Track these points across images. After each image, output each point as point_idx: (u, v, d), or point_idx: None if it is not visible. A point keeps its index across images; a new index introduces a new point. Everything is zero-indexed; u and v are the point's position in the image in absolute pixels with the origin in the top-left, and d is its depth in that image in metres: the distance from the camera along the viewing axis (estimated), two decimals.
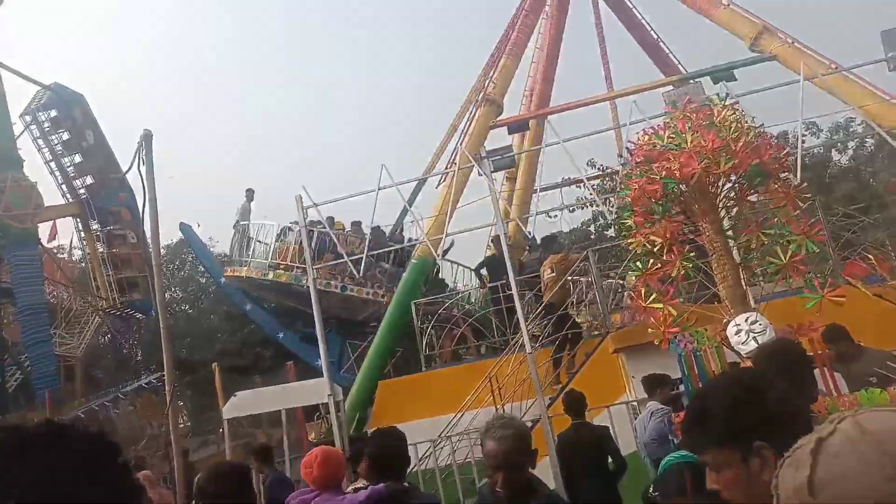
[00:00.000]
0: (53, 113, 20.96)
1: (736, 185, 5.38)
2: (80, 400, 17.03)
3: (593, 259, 10.84)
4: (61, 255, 25.82)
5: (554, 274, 10.56)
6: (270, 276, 16.07)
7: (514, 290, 9.28)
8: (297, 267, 15.34)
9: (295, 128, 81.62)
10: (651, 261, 5.45)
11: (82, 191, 22.00)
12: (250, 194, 17.56)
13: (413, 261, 13.98)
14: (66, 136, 21.57)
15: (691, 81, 13.60)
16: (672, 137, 5.26)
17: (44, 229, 20.85)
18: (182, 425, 15.53)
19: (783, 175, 5.47)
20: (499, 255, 12.25)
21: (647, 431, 6.46)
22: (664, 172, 5.08)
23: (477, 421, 9.71)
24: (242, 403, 9.41)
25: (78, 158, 21.92)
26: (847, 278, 4.79)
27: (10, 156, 18.87)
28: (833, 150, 23.39)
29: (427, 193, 16.81)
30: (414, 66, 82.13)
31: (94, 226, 22.02)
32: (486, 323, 14.20)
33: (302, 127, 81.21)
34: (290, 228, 15.93)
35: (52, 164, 21.74)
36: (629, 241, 5.61)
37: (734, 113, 5.48)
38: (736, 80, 14.04)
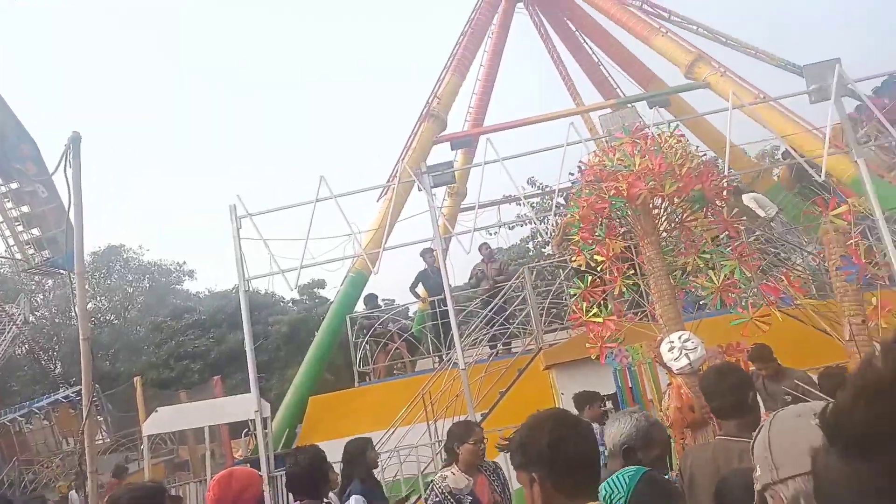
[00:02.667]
0: None
1: (678, 208, 5.54)
2: None
3: (529, 276, 10.92)
4: None
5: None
6: None
7: (449, 305, 9.25)
8: None
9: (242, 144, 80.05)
10: (592, 277, 5.56)
11: None
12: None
13: (350, 274, 13.79)
14: None
15: (628, 106, 14.00)
16: (621, 159, 5.43)
17: None
18: (101, 441, 14.78)
19: (720, 203, 5.66)
20: (430, 269, 12.23)
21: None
22: (613, 191, 5.21)
23: (409, 437, 9.60)
24: (165, 419, 9.01)
25: None
26: (766, 301, 4.94)
27: None
28: (760, 176, 24.44)
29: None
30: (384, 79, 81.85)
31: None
32: (423, 338, 14.13)
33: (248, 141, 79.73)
34: None
35: None
36: (573, 258, 5.68)
37: (679, 141, 5.70)
38: (670, 105, 14.52)
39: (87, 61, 78.94)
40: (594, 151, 5.86)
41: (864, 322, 4.70)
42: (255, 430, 12.98)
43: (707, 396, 3.26)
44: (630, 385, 4.69)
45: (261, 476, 3.82)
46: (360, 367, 12.21)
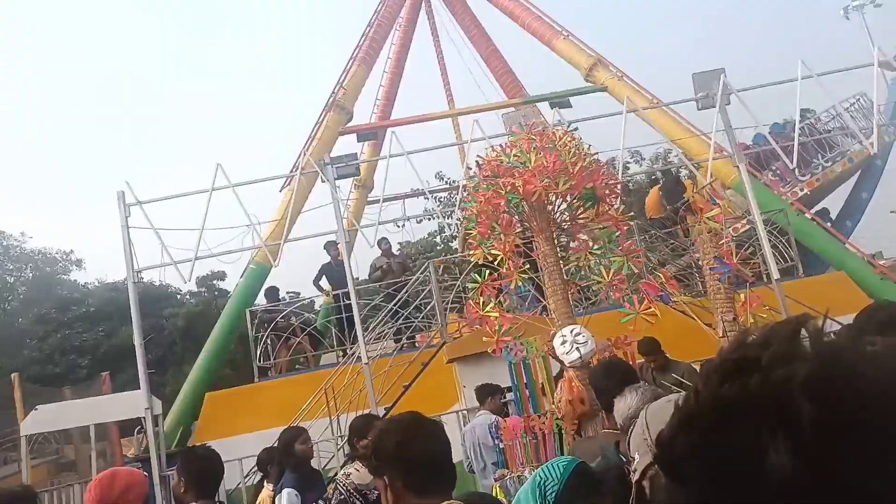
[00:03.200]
0: None
1: (570, 206, 5.71)
2: None
3: (435, 270, 11.03)
4: None
5: None
6: None
7: (353, 299, 9.22)
8: None
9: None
10: (489, 272, 5.65)
11: None
12: None
13: (251, 266, 13.43)
14: None
15: (531, 105, 14.36)
16: (518, 156, 5.53)
17: None
18: None
19: (610, 200, 5.87)
20: (334, 262, 12.10)
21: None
22: (509, 188, 5.31)
23: (311, 433, 9.47)
24: (46, 418, 8.48)
25: None
26: (646, 296, 5.20)
27: None
28: (653, 177, 25.76)
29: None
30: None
31: None
32: (327, 332, 13.96)
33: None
34: None
35: None
36: (471, 252, 5.76)
37: (573, 139, 5.84)
38: (571, 106, 15.02)
39: None
40: (492, 147, 5.96)
41: (734, 319, 5.07)
42: (145, 427, 12.45)
43: (595, 391, 3.41)
44: (524, 378, 4.80)
45: (146, 476, 3.65)
46: (260, 361, 11.93)
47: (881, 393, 0.52)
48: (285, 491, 4.48)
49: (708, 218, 5.19)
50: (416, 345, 11.33)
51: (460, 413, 8.63)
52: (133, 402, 8.01)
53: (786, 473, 0.51)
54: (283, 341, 12.13)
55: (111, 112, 76.81)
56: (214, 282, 26.29)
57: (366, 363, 8.60)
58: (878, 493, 0.50)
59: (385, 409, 8.97)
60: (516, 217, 5.50)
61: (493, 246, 5.36)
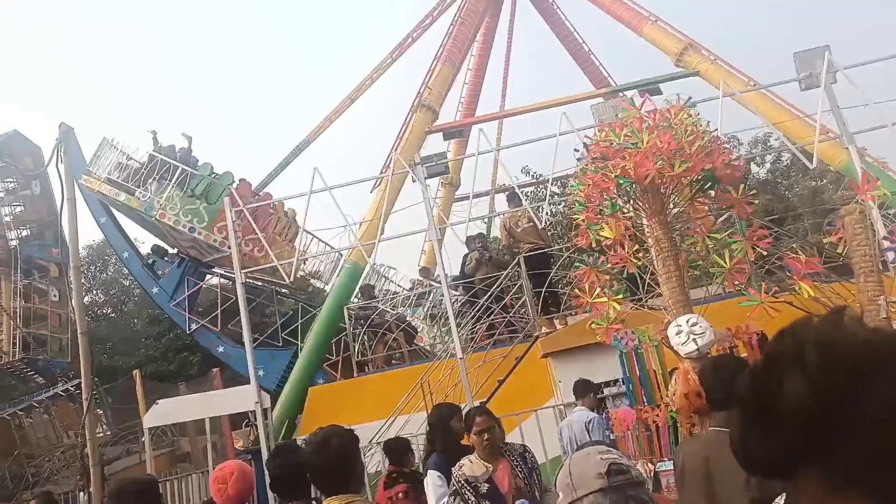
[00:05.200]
0: (1, 164, 19.61)
1: (687, 188, 5.36)
2: None
3: (524, 263, 11.01)
4: None
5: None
6: (122, 197, 14.51)
7: (445, 295, 9.35)
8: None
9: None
10: (599, 257, 5.42)
11: (14, 242, 20.37)
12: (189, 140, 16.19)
13: (346, 265, 13.86)
14: (11, 185, 20.54)
15: (620, 94, 14.03)
16: (628, 136, 5.22)
17: None
18: (101, 434, 14.86)
19: (732, 182, 5.37)
20: (482, 256, 12.03)
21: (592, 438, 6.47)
22: (619, 170, 5.05)
23: (408, 427, 9.72)
24: (165, 412, 9.10)
25: (19, 209, 20.69)
26: (794, 274, 4.86)
27: None
28: (752, 163, 24.59)
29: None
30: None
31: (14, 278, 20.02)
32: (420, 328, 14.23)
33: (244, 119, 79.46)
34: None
35: None
36: (577, 238, 5.58)
37: (690, 116, 5.45)
38: (661, 93, 14.57)
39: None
40: (601, 127, 5.70)
41: (887, 303, 4.68)
42: (255, 420, 13.12)
43: (704, 388, 3.31)
44: (637, 369, 4.64)
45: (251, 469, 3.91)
46: (358, 357, 12.32)
47: (863, 348, 0.77)
48: (430, 473, 4.53)
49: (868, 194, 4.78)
50: (510, 340, 11.35)
51: (556, 408, 8.60)
52: (243, 397, 8.48)
53: (798, 395, 0.76)
54: (379, 337, 12.47)
55: (206, 121, 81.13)
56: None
57: (461, 357, 8.71)
58: (863, 410, 0.74)
59: (480, 403, 9.06)
60: (625, 201, 5.27)
61: (600, 231, 5.17)
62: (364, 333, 12.48)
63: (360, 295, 13.65)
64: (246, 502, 3.57)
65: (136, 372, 12.07)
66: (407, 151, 13.67)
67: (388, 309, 13.00)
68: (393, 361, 13.15)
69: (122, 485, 2.69)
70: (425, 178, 9.98)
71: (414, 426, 9.71)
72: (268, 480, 3.48)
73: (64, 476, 13.87)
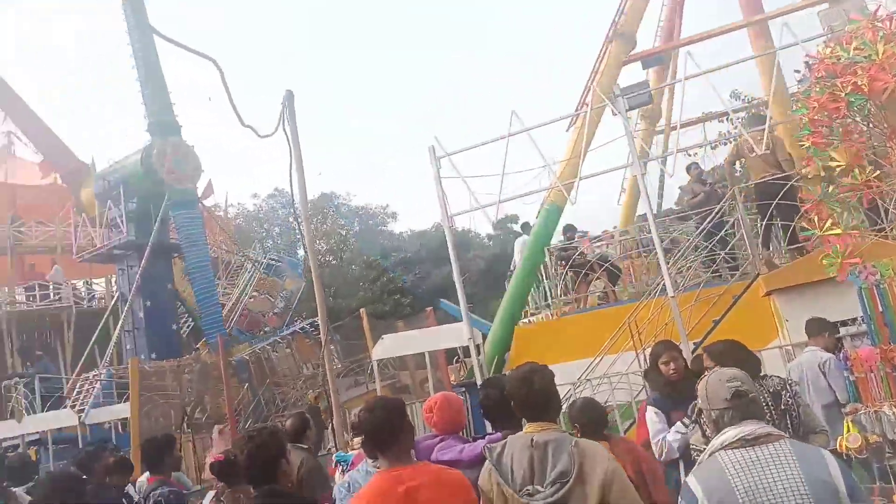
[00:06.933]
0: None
1: None
2: (245, 344, 18.75)
3: (740, 197, 10.20)
4: (219, 213, 28.17)
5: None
6: None
7: (653, 230, 9.00)
8: None
9: (424, 79, 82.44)
10: (830, 185, 4.98)
11: None
12: None
13: (545, 207, 13.85)
14: None
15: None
16: (860, 49, 4.70)
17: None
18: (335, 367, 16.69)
19: None
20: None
21: (834, 382, 5.95)
22: (850, 88, 4.60)
23: (616, 366, 9.66)
24: (390, 346, 9.96)
25: None
26: None
27: (169, 122, 20.62)
28: None
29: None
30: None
31: None
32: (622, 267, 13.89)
33: (431, 77, 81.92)
34: None
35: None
36: (803, 166, 5.15)
37: None
38: None
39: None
40: (825, 42, 5.08)
41: None
42: (464, 357, 13.86)
43: None
44: (879, 305, 4.17)
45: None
46: (560, 298, 12.40)
47: None
48: (649, 408, 4.66)
49: None
50: (725, 277, 10.68)
51: (783, 349, 7.97)
52: (457, 333, 9.00)
53: None
54: (582, 277, 12.41)
55: (414, 83, 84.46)
56: (509, 224, 27.82)
57: (672, 296, 8.39)
58: None
59: (695, 343, 8.69)
60: (859, 120, 4.71)
61: (830, 157, 4.68)
62: (566, 274, 12.50)
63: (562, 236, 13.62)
64: (457, 428, 3.81)
65: (362, 310, 13.30)
66: (603, 85, 13.13)
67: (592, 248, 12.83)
68: (597, 302, 13.05)
69: (374, 401, 3.02)
70: (627, 110, 9.56)
71: (622, 365, 9.63)
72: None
73: (304, 403, 15.83)
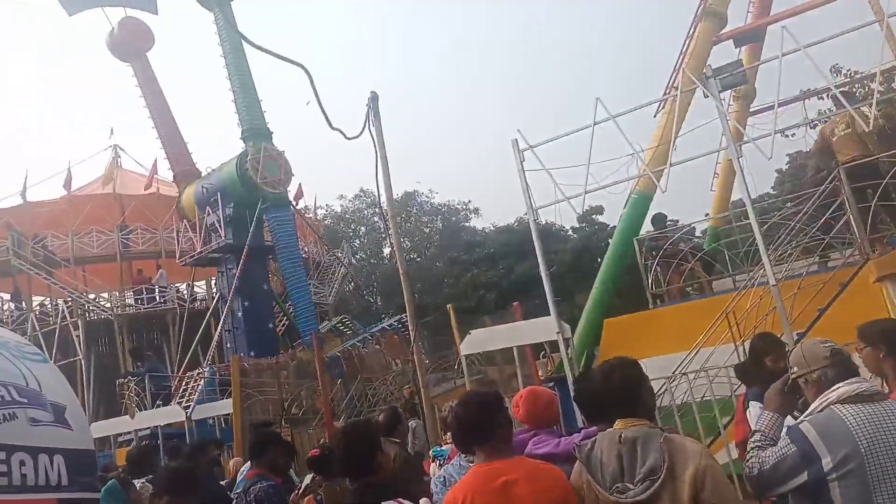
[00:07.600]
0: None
1: None
2: (337, 341, 19.29)
3: (845, 177, 9.52)
4: (308, 215, 29.09)
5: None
6: None
7: (751, 216, 8.55)
8: None
9: (505, 71, 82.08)
10: None
11: None
12: None
13: (633, 196, 13.48)
14: None
15: None
16: None
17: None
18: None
19: None
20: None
21: None
22: None
23: (714, 358, 9.25)
24: (477, 341, 9.97)
25: None
26: None
27: (261, 129, 21.45)
28: None
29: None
30: None
31: None
32: (717, 257, 13.32)
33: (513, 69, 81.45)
34: None
35: None
36: None
37: None
38: None
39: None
40: None
41: None
42: (551, 352, 13.67)
43: None
44: None
45: (556, 394, 4.10)
46: (652, 289, 12.00)
47: None
48: (751, 404, 4.57)
49: None
50: (829, 264, 10.03)
51: None
52: (545, 327, 8.88)
53: None
54: (674, 268, 11.97)
55: (493, 75, 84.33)
56: (594, 216, 27.27)
57: (773, 284, 7.96)
58: None
59: (797, 334, 8.21)
60: None
61: None
62: (657, 264, 12.09)
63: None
64: (548, 422, 3.78)
65: (449, 306, 13.40)
66: (693, 66, 12.62)
67: (684, 237, 12.35)
68: (689, 292, 12.56)
69: (469, 395, 3.03)
70: (719, 92, 9.13)
71: (719, 358, 9.21)
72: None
73: (395, 398, 16.11)
